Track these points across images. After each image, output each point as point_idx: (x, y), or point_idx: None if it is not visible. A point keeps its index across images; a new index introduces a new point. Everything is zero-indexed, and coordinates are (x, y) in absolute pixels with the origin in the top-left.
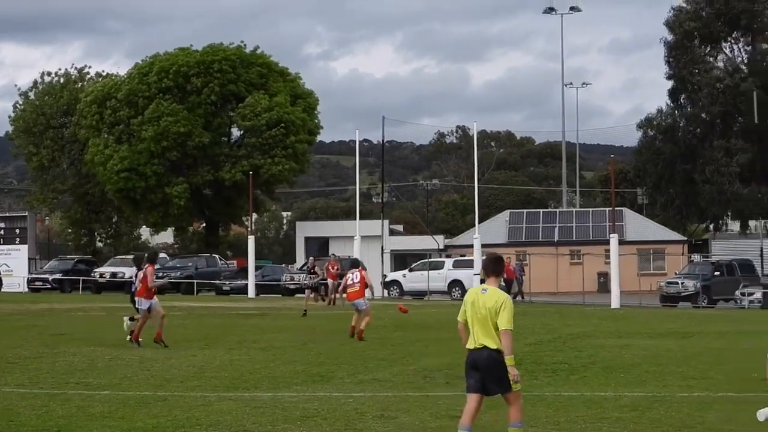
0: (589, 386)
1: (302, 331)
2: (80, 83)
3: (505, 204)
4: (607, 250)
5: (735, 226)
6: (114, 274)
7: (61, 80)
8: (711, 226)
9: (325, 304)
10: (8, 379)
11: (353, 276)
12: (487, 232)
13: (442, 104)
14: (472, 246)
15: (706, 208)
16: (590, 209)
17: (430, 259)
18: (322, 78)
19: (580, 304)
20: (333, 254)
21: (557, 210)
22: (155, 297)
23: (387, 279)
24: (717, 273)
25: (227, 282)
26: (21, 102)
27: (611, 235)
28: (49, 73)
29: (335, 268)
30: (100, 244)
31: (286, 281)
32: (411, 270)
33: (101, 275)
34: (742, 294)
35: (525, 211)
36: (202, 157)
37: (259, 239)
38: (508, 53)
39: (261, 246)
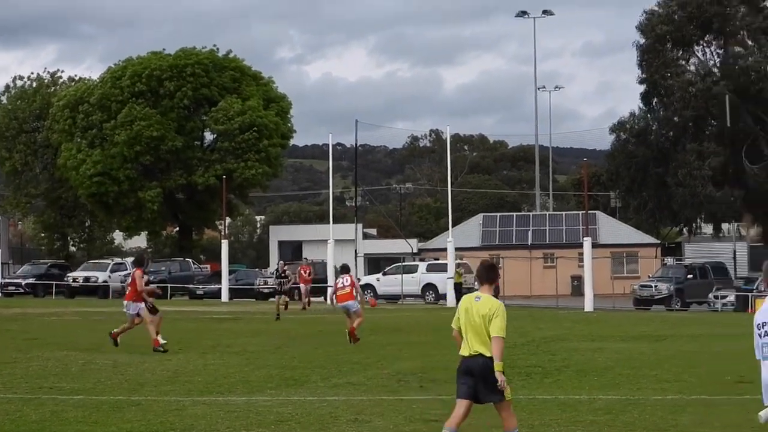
0: (563, 389)
1: (276, 335)
2: (53, 87)
3: (479, 207)
4: (581, 254)
5: (708, 229)
6: (87, 279)
7: (34, 84)
8: (684, 230)
9: (300, 308)
10: None
11: (343, 280)
12: (461, 236)
13: (415, 108)
14: (445, 249)
15: (679, 212)
16: (563, 213)
17: (403, 263)
18: (295, 82)
19: (553, 308)
20: (305, 259)
21: (530, 213)
22: (142, 303)
23: (361, 283)
24: (690, 276)
25: (201, 286)
26: None
27: (584, 239)
28: (21, 78)
29: (307, 272)
30: (73, 249)
31: (259, 285)
32: (385, 274)
33: (74, 280)
34: (716, 297)
35: (498, 214)
36: (175, 161)
37: (232, 243)
38: (481, 57)
39: (234, 250)
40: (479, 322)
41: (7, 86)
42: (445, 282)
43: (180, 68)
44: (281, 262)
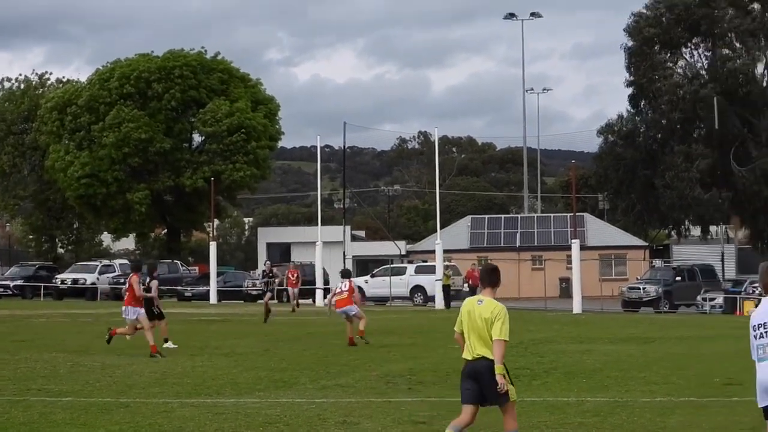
0: (552, 392)
1: (265, 337)
2: (41, 89)
3: (467, 210)
4: (569, 256)
5: (696, 231)
6: (75, 281)
7: (22, 86)
8: (672, 232)
9: (289, 311)
10: None
11: (342, 285)
12: (449, 238)
13: (403, 110)
14: (433, 251)
15: (667, 214)
16: (552, 215)
17: (392, 265)
18: (283, 84)
19: (541, 310)
20: (293, 262)
21: (519, 216)
22: (142, 308)
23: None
24: (678, 278)
25: (189, 288)
26: None
27: (573, 241)
28: (9, 79)
29: (295, 275)
30: (61, 251)
31: (247, 287)
32: (373, 276)
33: (62, 281)
34: (704, 299)
35: (486, 216)
36: (163, 163)
37: (220, 245)
38: (469, 59)
39: (223, 252)
40: (481, 325)
41: None
42: (433, 284)
43: (168, 70)
44: (268, 262)
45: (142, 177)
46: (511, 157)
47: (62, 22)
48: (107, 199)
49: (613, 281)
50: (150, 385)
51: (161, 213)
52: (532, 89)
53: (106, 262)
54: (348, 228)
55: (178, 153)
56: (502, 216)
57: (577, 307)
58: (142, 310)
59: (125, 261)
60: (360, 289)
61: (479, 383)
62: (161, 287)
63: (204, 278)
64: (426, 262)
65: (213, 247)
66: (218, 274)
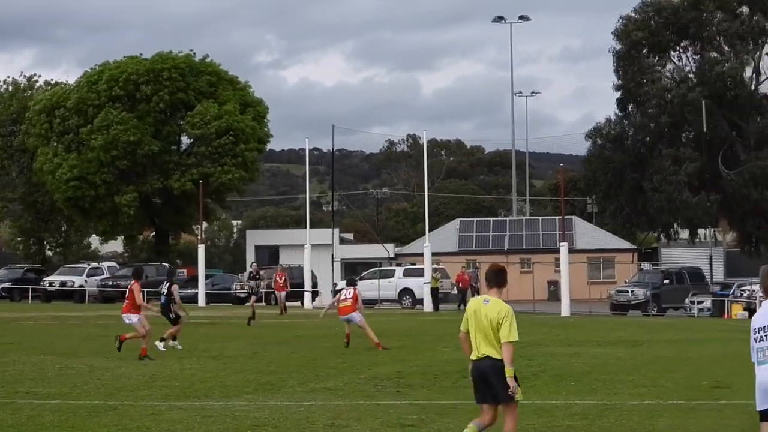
0: (540, 394)
1: (253, 339)
2: (29, 92)
3: (455, 212)
4: (557, 259)
5: (685, 234)
6: (63, 283)
7: (10, 88)
8: (661, 235)
9: (277, 313)
10: None
11: (347, 293)
12: (438, 241)
13: (392, 113)
14: (422, 254)
15: (656, 217)
16: (540, 218)
17: (380, 268)
18: (272, 86)
19: (530, 313)
20: (280, 264)
21: (507, 218)
22: (141, 314)
23: (337, 288)
24: (667, 281)
25: (158, 290)
26: None
27: (561, 244)
28: None
29: (282, 278)
30: (49, 253)
31: (236, 290)
32: (361, 278)
33: (51, 284)
34: (692, 302)
35: (475, 219)
36: (151, 166)
37: (209, 248)
38: (458, 62)
39: (211, 254)
40: (487, 324)
41: None
42: (421, 287)
43: (156, 72)
44: (254, 264)
45: (131, 179)
46: (500, 160)
47: (51, 24)
48: (95, 201)
49: (601, 284)
50: (138, 388)
51: (150, 215)
52: (520, 92)
53: (94, 264)
54: (336, 231)
55: (166, 155)
56: (491, 219)
57: (565, 310)
58: (140, 317)
59: (113, 263)
60: None
61: (486, 382)
62: (150, 290)
63: (192, 281)
64: (414, 265)
65: (201, 249)
66: (206, 277)
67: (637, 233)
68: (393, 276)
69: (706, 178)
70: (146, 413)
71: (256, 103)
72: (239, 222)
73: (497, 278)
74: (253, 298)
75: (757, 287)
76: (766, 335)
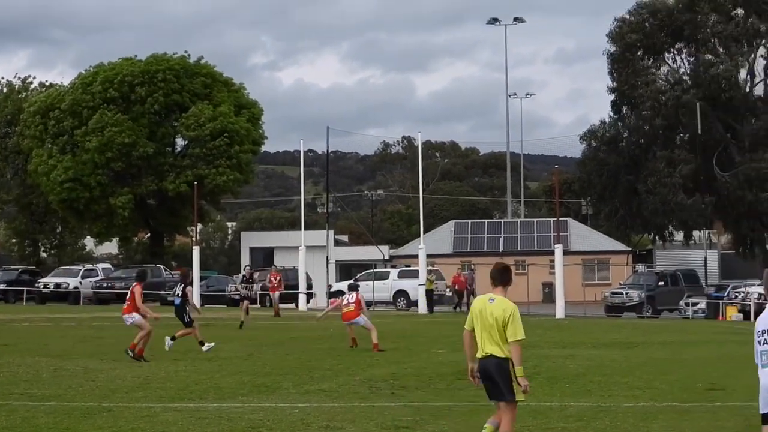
0: (535, 396)
1: (248, 341)
2: (24, 93)
3: (450, 214)
4: (552, 261)
5: (679, 236)
6: (58, 285)
7: (5, 90)
8: (656, 237)
9: (272, 315)
10: None
11: (349, 297)
12: (433, 243)
13: (387, 114)
14: (417, 256)
15: (650, 219)
16: (535, 220)
17: (375, 270)
18: (267, 88)
19: (524, 315)
20: (275, 266)
21: (502, 220)
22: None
23: (332, 289)
24: (661, 283)
25: (172, 292)
26: None
27: (556, 246)
28: None
29: (277, 279)
30: (44, 255)
31: (230, 292)
32: (356, 280)
33: (45, 286)
34: (687, 304)
35: (470, 221)
36: (146, 168)
37: (203, 249)
38: (453, 64)
39: (206, 256)
40: (492, 322)
41: None
42: (416, 289)
43: (151, 74)
44: (248, 267)
45: (125, 181)
46: (495, 162)
47: (46, 25)
48: (90, 203)
49: (596, 286)
50: (133, 390)
51: (144, 217)
52: (515, 94)
53: (88, 266)
54: (331, 232)
55: (161, 157)
56: (486, 221)
57: (560, 312)
58: (140, 317)
59: (108, 265)
60: (342, 293)
61: (491, 381)
62: (145, 291)
63: None
64: (409, 266)
65: (196, 251)
66: (201, 279)
67: (631, 235)
68: (388, 278)
69: (701, 180)
70: (141, 415)
71: (251, 104)
72: (234, 224)
73: (502, 276)
74: (246, 303)
75: (752, 289)
76: None
